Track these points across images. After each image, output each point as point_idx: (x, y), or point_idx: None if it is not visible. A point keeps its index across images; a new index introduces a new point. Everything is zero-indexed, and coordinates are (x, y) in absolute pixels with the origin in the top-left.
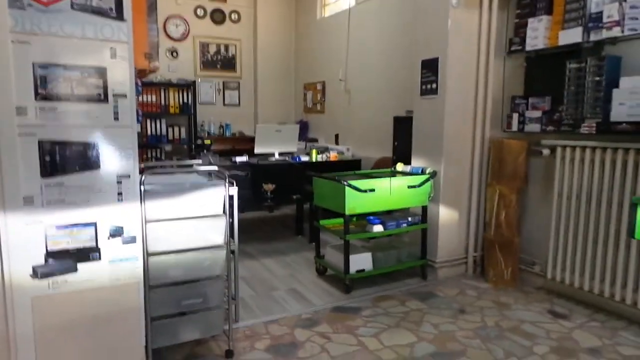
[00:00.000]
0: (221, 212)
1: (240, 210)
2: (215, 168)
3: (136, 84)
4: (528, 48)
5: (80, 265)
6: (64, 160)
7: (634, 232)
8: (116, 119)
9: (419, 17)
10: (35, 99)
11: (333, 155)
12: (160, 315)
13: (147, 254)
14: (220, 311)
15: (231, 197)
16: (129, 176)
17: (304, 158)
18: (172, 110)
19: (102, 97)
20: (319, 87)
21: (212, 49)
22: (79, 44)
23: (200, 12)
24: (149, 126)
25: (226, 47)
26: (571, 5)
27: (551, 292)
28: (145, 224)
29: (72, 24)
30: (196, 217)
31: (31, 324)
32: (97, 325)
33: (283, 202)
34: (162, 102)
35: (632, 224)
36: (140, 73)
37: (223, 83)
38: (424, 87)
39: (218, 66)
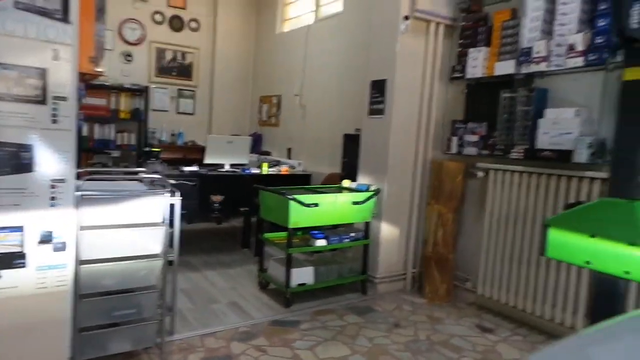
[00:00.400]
0: (161, 221)
1: (187, 221)
2: (157, 176)
3: (79, 87)
4: (468, 76)
5: (3, 272)
6: None
7: (545, 251)
8: (54, 121)
9: (371, 39)
10: None
11: (284, 169)
12: (89, 326)
13: (78, 262)
14: (154, 323)
15: (172, 207)
16: (65, 180)
17: (255, 170)
18: (122, 116)
19: (41, 98)
20: (274, 100)
21: (169, 56)
22: (20, 43)
23: (158, 17)
24: (97, 131)
25: (183, 55)
26: (506, 39)
27: (481, 307)
28: (78, 231)
29: (14, 22)
30: (134, 226)
31: None
32: (18, 335)
33: (231, 214)
34: (113, 106)
35: (543, 243)
36: (84, 77)
37: (178, 90)
38: (372, 107)
39: (174, 73)
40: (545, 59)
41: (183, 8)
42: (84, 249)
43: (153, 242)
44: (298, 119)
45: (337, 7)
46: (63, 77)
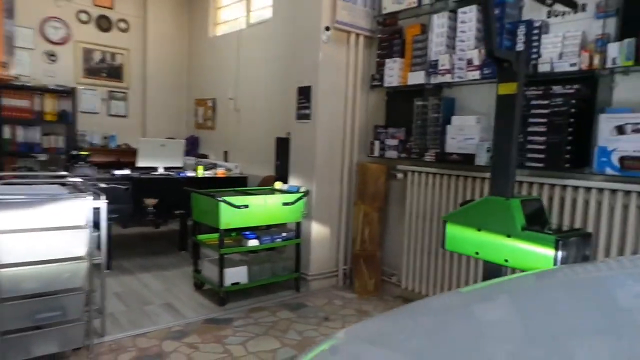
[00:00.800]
0: (84, 224)
1: (122, 225)
2: (79, 180)
3: None
4: (386, 84)
5: None
6: None
7: (444, 244)
8: None
9: (296, 47)
10: None
11: (220, 172)
12: (11, 330)
13: None
14: (81, 324)
15: (97, 210)
16: None
17: (190, 173)
18: (48, 118)
19: None
20: (210, 103)
21: (97, 56)
22: None
23: (84, 17)
24: (20, 133)
25: (112, 56)
26: (417, 52)
27: (407, 299)
28: None
29: None
30: (53, 229)
31: None
32: None
33: (167, 217)
34: (37, 108)
35: (443, 237)
36: None
37: (108, 92)
38: (299, 112)
39: (103, 74)
40: (449, 71)
41: (110, 8)
42: (2, 254)
43: (76, 245)
44: (233, 122)
45: (267, 13)
46: None
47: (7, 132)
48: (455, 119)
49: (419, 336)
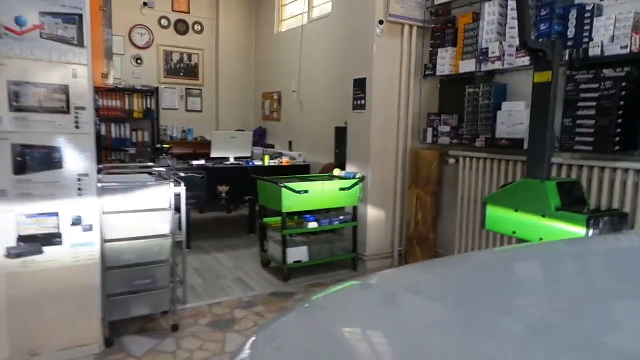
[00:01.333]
0: (167, 207)
1: (199, 210)
2: (163, 169)
3: (95, 98)
4: (438, 73)
5: (45, 248)
6: (32, 161)
7: (485, 224)
8: (77, 127)
9: (352, 40)
10: (9, 110)
11: (284, 160)
12: (115, 293)
13: (103, 240)
14: (167, 291)
15: (178, 195)
16: (88, 174)
17: (258, 162)
18: (136, 115)
19: (65, 109)
20: (275, 96)
21: (176, 57)
22: (46, 65)
23: (164, 22)
24: (113, 130)
25: (189, 56)
26: (467, 40)
27: None
28: (101, 215)
29: (40, 49)
30: (144, 210)
31: (4, 295)
32: (60, 299)
33: (237, 202)
34: (126, 107)
35: (483, 217)
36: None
37: (186, 90)
38: (355, 102)
39: (181, 74)
40: (499, 58)
41: (187, 12)
42: (107, 230)
43: (161, 224)
44: (296, 113)
45: (327, 8)
46: (81, 91)
47: (103, 129)
48: (505, 105)
49: (448, 285)
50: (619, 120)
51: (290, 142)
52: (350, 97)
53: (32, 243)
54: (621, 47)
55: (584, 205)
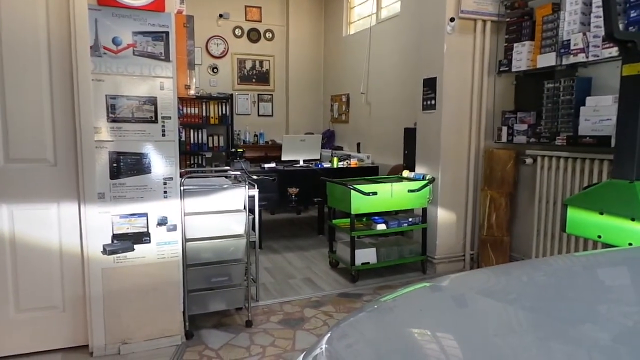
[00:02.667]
0: (242, 208)
1: (270, 212)
2: (238, 173)
3: (178, 108)
4: (514, 69)
5: (136, 246)
6: (126, 166)
7: (565, 227)
8: (163, 135)
9: (421, 40)
10: (107, 120)
11: (353, 162)
12: (194, 289)
13: (185, 239)
14: (242, 288)
15: (252, 197)
16: (172, 178)
17: (327, 165)
18: (212, 121)
19: (154, 118)
20: (343, 99)
21: (248, 65)
22: (138, 80)
23: (238, 32)
24: (192, 136)
25: (261, 63)
26: (546, 33)
27: None
28: (184, 216)
29: (133, 65)
30: (222, 212)
31: (101, 288)
32: (147, 292)
33: (306, 204)
34: (203, 113)
35: (564, 220)
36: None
37: (258, 95)
38: (425, 102)
39: (253, 80)
40: (582, 50)
41: (259, 21)
42: (188, 230)
43: (237, 225)
44: (365, 115)
45: (395, 9)
46: (167, 101)
47: (183, 135)
48: (590, 100)
49: (524, 289)
50: None
51: (358, 144)
52: (420, 97)
53: (124, 241)
54: None
55: None
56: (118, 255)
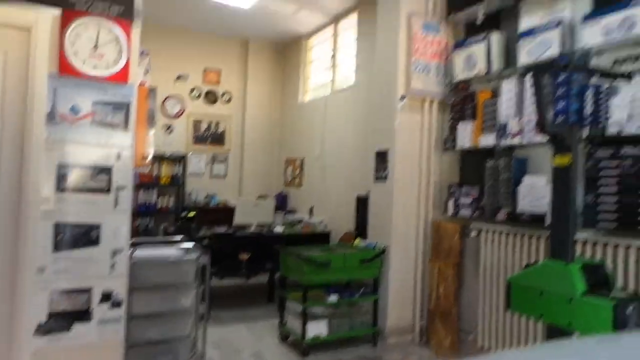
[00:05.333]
0: (192, 281)
1: (218, 277)
2: (191, 245)
3: (135, 178)
4: (458, 147)
5: (76, 324)
6: (72, 238)
7: (510, 305)
8: (116, 205)
9: (374, 113)
10: (56, 190)
11: (305, 227)
12: None
13: (129, 316)
14: None
15: (203, 268)
16: (122, 251)
17: (279, 229)
18: (163, 181)
19: (107, 189)
20: (298, 162)
21: (204, 126)
22: (94, 149)
23: (195, 93)
24: (141, 195)
25: (217, 124)
26: (487, 115)
27: None
28: (130, 290)
29: (90, 134)
30: (171, 285)
31: None
32: None
33: (258, 270)
34: (155, 172)
35: (508, 298)
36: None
37: (212, 156)
38: (377, 173)
39: (209, 141)
40: (518, 133)
41: (217, 83)
42: (134, 305)
43: (186, 298)
44: (318, 179)
45: (350, 81)
46: (123, 171)
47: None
48: (526, 179)
49: None
50: None
51: (311, 208)
52: (372, 167)
53: (61, 320)
54: (638, 127)
55: (610, 288)
56: (52, 335)
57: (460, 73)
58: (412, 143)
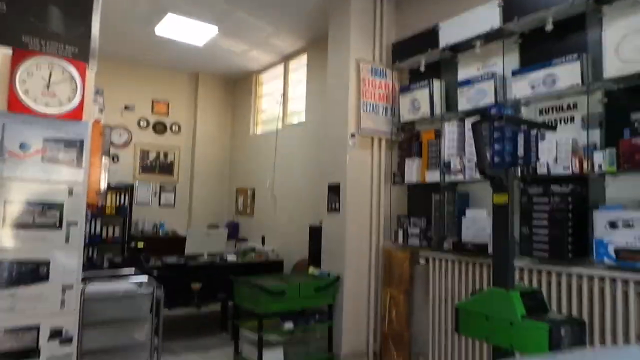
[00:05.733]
0: (146, 315)
1: (169, 307)
2: (144, 279)
3: (86, 214)
4: (406, 181)
5: None
6: (19, 275)
7: (458, 328)
8: (67, 241)
9: (326, 149)
10: (2, 227)
11: (257, 256)
12: None
13: (81, 353)
14: None
15: (157, 302)
16: (72, 286)
17: (231, 257)
18: (108, 211)
19: (58, 225)
20: (249, 192)
21: (152, 155)
22: (44, 185)
23: (143, 123)
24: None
25: (165, 154)
26: (432, 153)
27: None
28: (81, 326)
29: (40, 171)
30: (125, 320)
31: None
32: None
33: (210, 300)
34: (100, 203)
35: (457, 322)
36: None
37: (160, 186)
38: (329, 205)
39: (156, 171)
40: (460, 170)
41: (166, 114)
42: (85, 341)
43: (140, 332)
44: (270, 209)
45: (301, 117)
46: (75, 208)
47: None
48: (469, 212)
49: None
50: (570, 230)
51: (263, 237)
52: (325, 198)
53: (7, 359)
54: (564, 168)
55: (545, 312)
56: None
57: (407, 114)
58: (363, 177)
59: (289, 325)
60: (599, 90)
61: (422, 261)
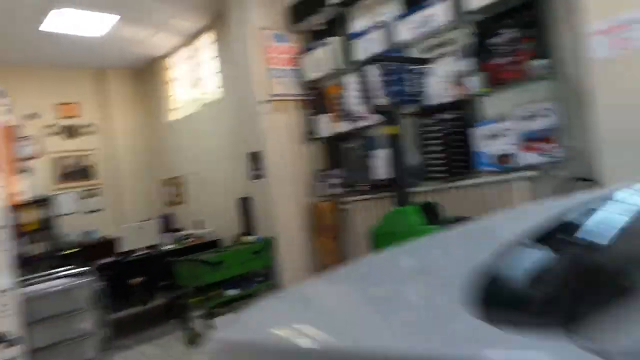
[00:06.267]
0: (89, 304)
1: (114, 310)
2: (83, 269)
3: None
4: (320, 136)
5: None
6: None
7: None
8: None
9: (243, 119)
10: None
11: (194, 240)
12: None
13: (31, 350)
14: None
15: (97, 291)
16: (9, 289)
17: (169, 247)
18: (30, 228)
19: None
20: (177, 181)
21: (68, 162)
22: None
23: (52, 130)
24: None
25: (83, 158)
26: (337, 107)
27: None
28: (28, 326)
29: None
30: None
31: None
32: None
33: (153, 291)
34: (17, 221)
35: (373, 245)
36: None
37: (84, 191)
38: (253, 172)
39: (76, 176)
40: (365, 117)
41: (78, 116)
42: (35, 339)
43: (85, 322)
44: (199, 193)
45: (217, 94)
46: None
47: None
48: (376, 153)
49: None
50: (458, 150)
51: (197, 222)
52: (248, 169)
53: None
54: (447, 97)
55: (440, 218)
56: None
57: (312, 73)
58: (281, 140)
59: (232, 292)
60: (469, 24)
61: (345, 206)
